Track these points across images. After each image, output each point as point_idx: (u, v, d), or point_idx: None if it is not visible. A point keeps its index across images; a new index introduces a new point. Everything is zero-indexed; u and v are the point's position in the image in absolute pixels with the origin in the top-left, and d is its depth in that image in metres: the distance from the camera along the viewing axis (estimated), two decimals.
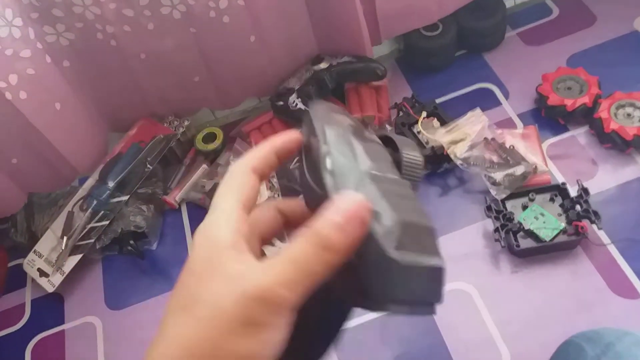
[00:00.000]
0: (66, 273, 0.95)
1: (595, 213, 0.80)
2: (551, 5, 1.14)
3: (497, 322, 0.79)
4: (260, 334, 0.24)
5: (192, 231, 1.01)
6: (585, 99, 0.92)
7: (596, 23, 1.09)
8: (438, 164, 0.93)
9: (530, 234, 0.82)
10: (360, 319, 0.84)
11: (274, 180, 0.96)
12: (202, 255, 0.26)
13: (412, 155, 0.31)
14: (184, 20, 0.88)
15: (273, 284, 0.24)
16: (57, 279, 0.96)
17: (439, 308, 0.27)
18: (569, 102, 0.93)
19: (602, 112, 0.90)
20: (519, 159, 0.88)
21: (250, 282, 0.24)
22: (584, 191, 0.83)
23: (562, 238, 0.81)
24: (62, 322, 0.96)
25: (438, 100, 1.04)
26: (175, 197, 1.02)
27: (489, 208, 0.84)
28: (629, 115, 0.90)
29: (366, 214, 0.24)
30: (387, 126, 1.01)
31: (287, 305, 0.24)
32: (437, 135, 0.92)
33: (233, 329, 0.24)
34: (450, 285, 0.84)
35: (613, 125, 0.88)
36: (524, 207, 0.85)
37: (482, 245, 0.86)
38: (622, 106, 0.91)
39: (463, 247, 0.87)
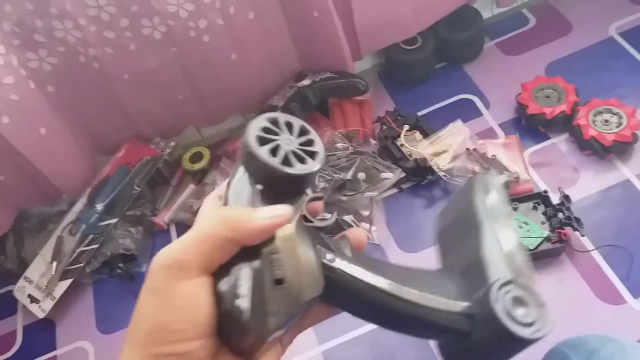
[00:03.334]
0: (57, 298, 0.95)
1: (578, 220, 0.81)
2: (528, 15, 1.16)
3: None
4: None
5: None
6: (564, 107, 0.94)
7: (572, 31, 1.11)
8: (422, 176, 0.94)
9: None
10: (351, 333, 0.84)
11: None
12: None
13: None
14: (165, 40, 0.88)
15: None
16: (48, 304, 0.95)
17: None
18: (548, 111, 0.94)
19: (581, 119, 0.92)
20: (501, 169, 0.89)
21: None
22: (566, 198, 0.84)
23: (546, 246, 0.82)
24: (53, 348, 0.96)
25: (420, 113, 1.05)
26: (163, 218, 1.02)
27: None
28: (606, 121, 0.91)
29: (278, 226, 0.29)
30: (372, 140, 1.02)
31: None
32: (420, 147, 0.93)
33: None
34: None
35: (592, 132, 0.90)
36: None
37: None
38: (600, 112, 0.92)
39: None
